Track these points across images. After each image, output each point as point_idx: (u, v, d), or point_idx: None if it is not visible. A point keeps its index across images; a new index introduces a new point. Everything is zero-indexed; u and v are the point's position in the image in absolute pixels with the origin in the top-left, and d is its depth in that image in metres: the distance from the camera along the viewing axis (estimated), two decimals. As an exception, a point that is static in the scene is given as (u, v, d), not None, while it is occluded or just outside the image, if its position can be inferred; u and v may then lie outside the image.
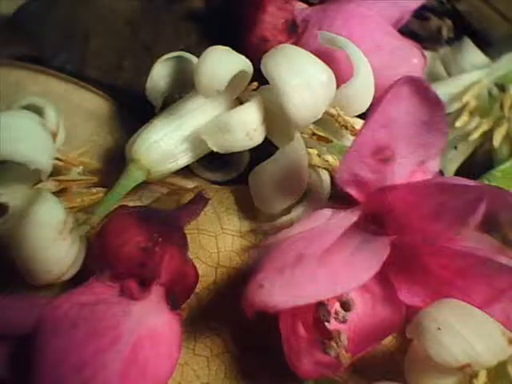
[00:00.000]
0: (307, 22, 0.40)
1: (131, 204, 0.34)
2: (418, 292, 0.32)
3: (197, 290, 0.33)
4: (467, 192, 0.28)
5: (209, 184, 0.40)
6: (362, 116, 0.36)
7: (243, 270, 0.34)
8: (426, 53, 0.40)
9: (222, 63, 0.33)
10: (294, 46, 0.35)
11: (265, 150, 0.36)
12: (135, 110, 0.41)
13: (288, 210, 0.35)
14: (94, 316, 0.27)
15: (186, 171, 0.39)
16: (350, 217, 0.31)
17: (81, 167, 0.37)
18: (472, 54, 0.44)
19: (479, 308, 0.29)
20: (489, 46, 0.44)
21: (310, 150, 0.35)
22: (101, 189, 0.37)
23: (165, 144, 0.35)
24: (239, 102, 0.36)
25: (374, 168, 0.31)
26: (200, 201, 0.34)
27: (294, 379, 0.30)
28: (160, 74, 0.38)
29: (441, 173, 0.38)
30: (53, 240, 0.30)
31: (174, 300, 0.30)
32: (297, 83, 0.32)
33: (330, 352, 0.29)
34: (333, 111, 0.35)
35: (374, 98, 0.36)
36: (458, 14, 0.47)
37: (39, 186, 0.35)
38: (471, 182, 0.30)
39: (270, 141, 0.37)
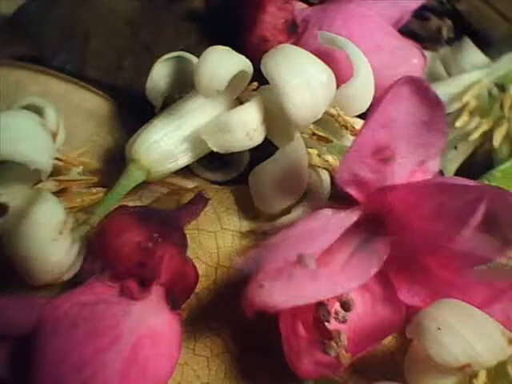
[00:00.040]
0: (307, 22, 0.40)
1: (131, 204, 0.34)
2: (418, 292, 0.32)
3: (197, 290, 0.33)
4: (467, 192, 0.28)
5: (209, 184, 0.40)
6: (362, 116, 0.36)
7: (243, 270, 0.34)
8: (426, 53, 0.40)
9: (222, 63, 0.33)
10: (294, 46, 0.35)
11: (265, 150, 0.36)
12: (135, 110, 0.41)
13: (288, 210, 0.35)
14: (94, 316, 0.27)
15: (186, 171, 0.38)
16: (350, 217, 0.31)
17: (81, 167, 0.37)
18: (472, 54, 0.44)
19: (479, 308, 0.29)
20: (489, 46, 0.44)
21: (309, 150, 0.35)
22: (101, 189, 0.37)
23: (165, 144, 0.35)
24: (239, 102, 0.36)
25: (374, 168, 0.31)
26: (200, 201, 0.34)
27: (294, 379, 0.30)
28: (160, 74, 0.38)
29: (441, 173, 0.38)
30: (53, 240, 0.30)
31: (174, 300, 0.30)
32: (297, 83, 0.32)
33: (329, 352, 0.29)
34: (333, 111, 0.35)
35: (374, 98, 0.35)
36: (458, 13, 0.47)
37: (39, 185, 0.35)
38: (471, 182, 0.30)
39: (270, 141, 0.36)
